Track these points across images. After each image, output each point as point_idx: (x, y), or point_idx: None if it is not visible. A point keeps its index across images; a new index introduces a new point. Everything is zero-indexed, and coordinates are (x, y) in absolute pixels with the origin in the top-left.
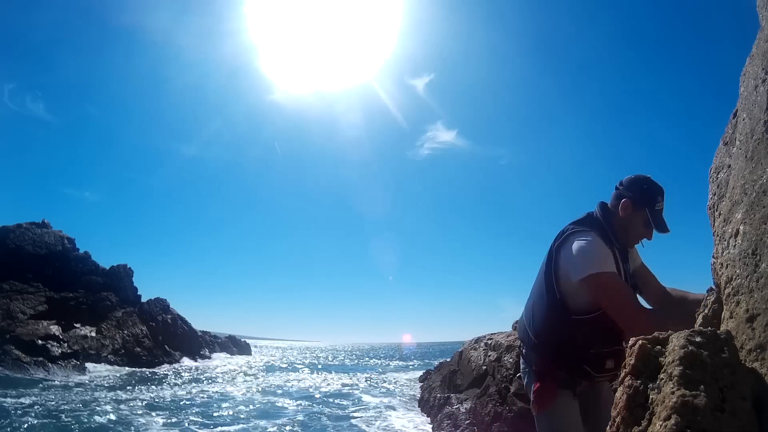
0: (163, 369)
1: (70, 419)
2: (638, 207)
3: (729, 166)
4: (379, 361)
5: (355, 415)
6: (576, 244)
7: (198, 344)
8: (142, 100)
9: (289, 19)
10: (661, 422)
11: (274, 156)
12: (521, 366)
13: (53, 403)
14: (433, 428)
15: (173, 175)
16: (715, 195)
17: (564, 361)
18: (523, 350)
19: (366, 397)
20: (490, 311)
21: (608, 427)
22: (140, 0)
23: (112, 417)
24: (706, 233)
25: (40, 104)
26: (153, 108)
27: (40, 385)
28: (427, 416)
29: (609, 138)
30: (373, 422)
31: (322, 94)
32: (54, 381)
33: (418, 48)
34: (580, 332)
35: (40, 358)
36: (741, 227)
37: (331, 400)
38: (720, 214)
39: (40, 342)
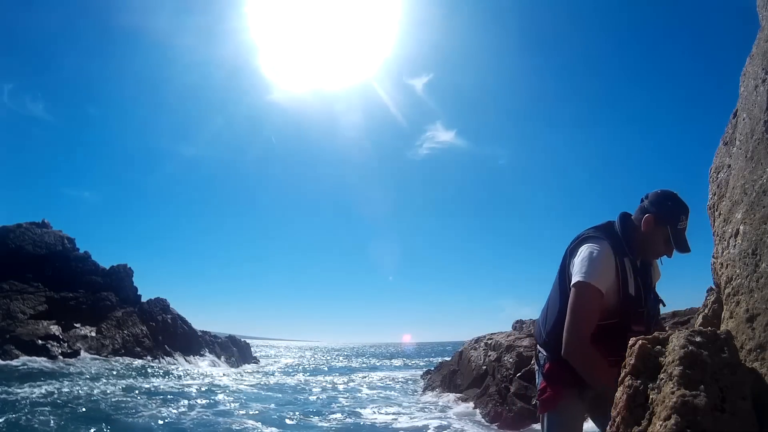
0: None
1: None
2: (660, 224)
3: (729, 166)
4: (379, 361)
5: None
6: (584, 250)
7: (198, 344)
8: (142, 100)
9: (289, 19)
10: (661, 422)
11: (273, 155)
12: (535, 364)
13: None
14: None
15: (173, 175)
16: (715, 195)
17: (563, 367)
18: (537, 347)
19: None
20: (490, 311)
21: (608, 427)
22: (140, 0)
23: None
24: (706, 233)
25: (39, 104)
26: (153, 108)
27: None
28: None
29: (609, 138)
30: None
31: (322, 93)
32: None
33: (417, 48)
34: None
35: (40, 358)
36: (741, 227)
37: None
38: (720, 214)
39: (40, 342)
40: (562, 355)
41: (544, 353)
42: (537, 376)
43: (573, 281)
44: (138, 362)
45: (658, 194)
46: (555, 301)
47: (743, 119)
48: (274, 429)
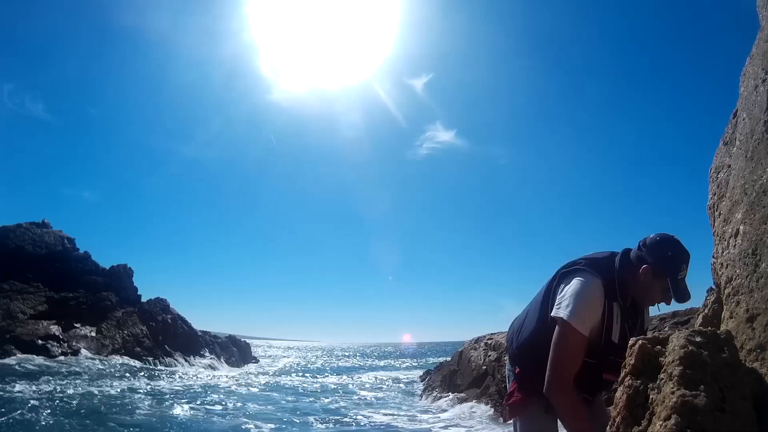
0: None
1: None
2: (659, 275)
3: (729, 166)
4: (379, 362)
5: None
6: (575, 283)
7: (198, 344)
8: (141, 100)
9: (289, 19)
10: (661, 422)
11: (273, 155)
12: (507, 366)
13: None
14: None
15: (173, 175)
16: (715, 195)
17: (534, 378)
18: (509, 354)
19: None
20: (490, 311)
21: (608, 427)
22: (140, 0)
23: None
24: (706, 233)
25: (39, 104)
26: (153, 108)
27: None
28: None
29: (608, 137)
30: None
31: (321, 93)
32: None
33: (417, 48)
34: None
35: (41, 358)
36: (741, 227)
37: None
38: (720, 214)
39: (40, 342)
40: (544, 392)
41: (512, 360)
42: (507, 381)
43: (558, 315)
44: (137, 362)
45: (656, 243)
46: (533, 318)
47: (743, 119)
48: (270, 430)
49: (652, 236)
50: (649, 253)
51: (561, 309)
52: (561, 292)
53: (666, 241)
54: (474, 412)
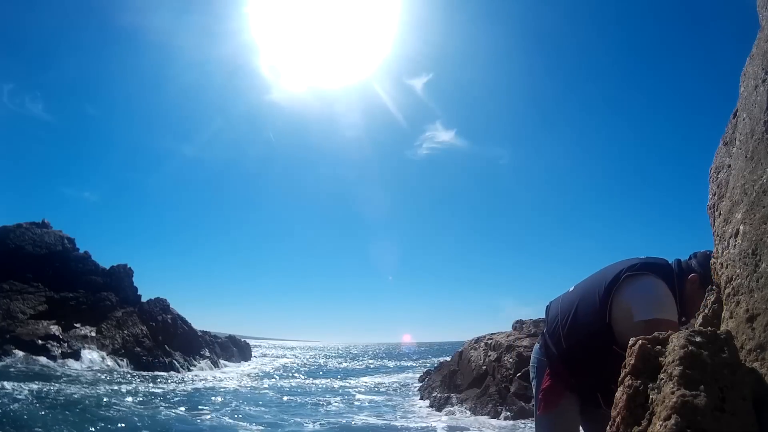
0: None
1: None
2: (705, 285)
3: (729, 166)
4: (379, 362)
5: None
6: (652, 287)
7: (198, 344)
8: (141, 100)
9: (289, 19)
10: (661, 422)
11: (273, 155)
12: (535, 355)
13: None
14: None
15: (173, 175)
16: (715, 195)
17: (583, 379)
18: (547, 341)
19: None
20: (490, 311)
21: (608, 427)
22: (140, 0)
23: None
24: (706, 233)
25: (39, 104)
26: (153, 108)
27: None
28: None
29: (608, 137)
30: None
31: (321, 93)
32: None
33: (417, 47)
34: (612, 364)
35: (41, 358)
36: (741, 227)
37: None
38: (720, 214)
39: (40, 342)
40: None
41: (555, 352)
42: (538, 371)
43: (647, 318)
44: (137, 362)
45: (707, 256)
46: (586, 313)
47: (743, 119)
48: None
49: (703, 251)
50: (700, 264)
51: (647, 312)
52: (635, 297)
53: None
54: (473, 413)
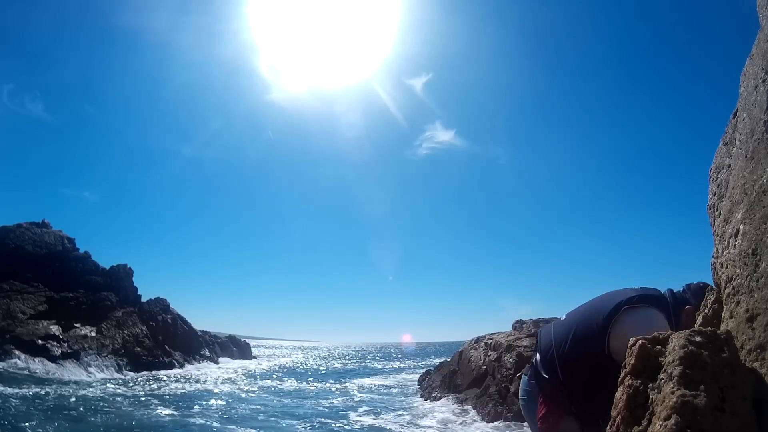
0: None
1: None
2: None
3: (729, 166)
4: (378, 362)
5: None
6: (652, 319)
7: (198, 344)
8: (141, 100)
9: (289, 19)
10: (661, 422)
11: (273, 155)
12: (524, 386)
13: (54, 398)
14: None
15: (173, 175)
16: (715, 195)
17: (582, 405)
18: (539, 369)
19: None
20: (490, 311)
21: (608, 427)
22: (140, 0)
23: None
24: (706, 233)
25: (39, 104)
26: (152, 108)
27: (46, 382)
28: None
29: (608, 137)
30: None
31: (321, 93)
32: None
33: (416, 47)
34: (612, 393)
35: (40, 358)
36: (741, 227)
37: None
38: (720, 213)
39: (40, 342)
40: None
41: (550, 380)
42: (529, 402)
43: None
44: (137, 362)
45: (700, 288)
46: (585, 341)
47: (743, 119)
48: None
49: (696, 282)
50: (694, 296)
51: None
52: (634, 328)
53: (709, 287)
54: (473, 413)
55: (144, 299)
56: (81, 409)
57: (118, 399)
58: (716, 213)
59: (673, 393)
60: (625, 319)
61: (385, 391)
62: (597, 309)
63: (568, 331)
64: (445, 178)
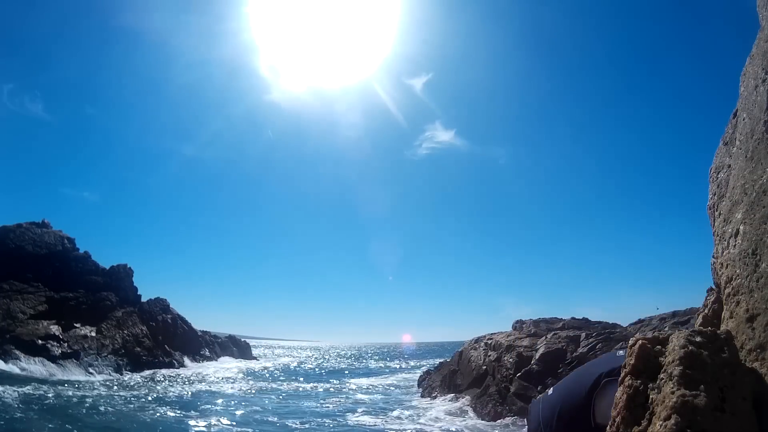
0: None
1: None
2: None
3: (729, 166)
4: (378, 362)
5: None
6: None
7: (198, 344)
8: (141, 100)
9: (289, 19)
10: (661, 422)
11: (273, 155)
12: None
13: (53, 398)
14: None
15: (173, 175)
16: (715, 195)
17: None
18: None
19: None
20: (490, 311)
21: (608, 427)
22: (140, 0)
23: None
24: (706, 233)
25: (39, 104)
26: (152, 108)
27: (46, 382)
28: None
29: (608, 137)
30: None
31: (321, 93)
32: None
33: (417, 47)
34: None
35: (40, 358)
36: (741, 227)
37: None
38: (720, 213)
39: (40, 342)
40: None
41: None
42: None
43: None
44: (137, 362)
45: None
46: (569, 416)
47: (743, 119)
48: None
49: None
50: None
51: None
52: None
53: None
54: (473, 413)
55: (144, 299)
56: (81, 409)
57: (118, 399)
58: (716, 213)
59: (673, 393)
60: (609, 391)
61: (385, 390)
62: (579, 382)
63: (555, 408)
64: (445, 178)
